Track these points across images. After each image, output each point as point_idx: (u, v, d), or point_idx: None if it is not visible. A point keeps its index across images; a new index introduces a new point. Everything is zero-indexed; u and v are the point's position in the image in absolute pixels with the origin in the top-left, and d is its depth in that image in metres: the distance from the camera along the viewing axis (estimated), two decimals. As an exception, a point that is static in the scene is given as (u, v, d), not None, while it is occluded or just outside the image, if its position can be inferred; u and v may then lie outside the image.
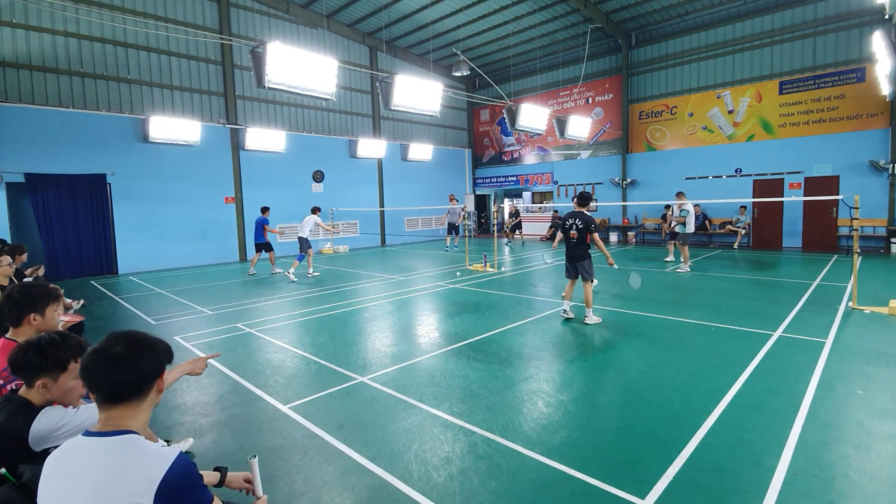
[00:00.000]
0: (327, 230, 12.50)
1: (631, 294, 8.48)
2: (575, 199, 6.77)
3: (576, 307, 7.20)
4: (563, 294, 6.89)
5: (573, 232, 6.57)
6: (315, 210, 11.70)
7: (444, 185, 22.01)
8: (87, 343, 2.00)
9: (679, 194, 11.71)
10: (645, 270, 11.13)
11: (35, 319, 2.52)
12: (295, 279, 10.85)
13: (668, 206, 16.60)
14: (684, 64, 16.42)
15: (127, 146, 13.00)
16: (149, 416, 1.51)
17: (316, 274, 11.56)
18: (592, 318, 6.46)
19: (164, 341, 1.55)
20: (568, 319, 6.69)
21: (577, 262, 6.61)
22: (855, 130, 13.45)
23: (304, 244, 11.39)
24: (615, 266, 6.89)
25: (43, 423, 1.80)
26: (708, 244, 16.01)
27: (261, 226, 11.88)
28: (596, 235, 6.49)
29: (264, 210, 12.07)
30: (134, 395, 1.43)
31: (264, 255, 12.19)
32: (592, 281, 6.77)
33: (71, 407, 1.88)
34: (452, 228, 16.78)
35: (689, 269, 10.82)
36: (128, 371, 1.40)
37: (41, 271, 6.09)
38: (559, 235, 6.91)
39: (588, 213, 6.59)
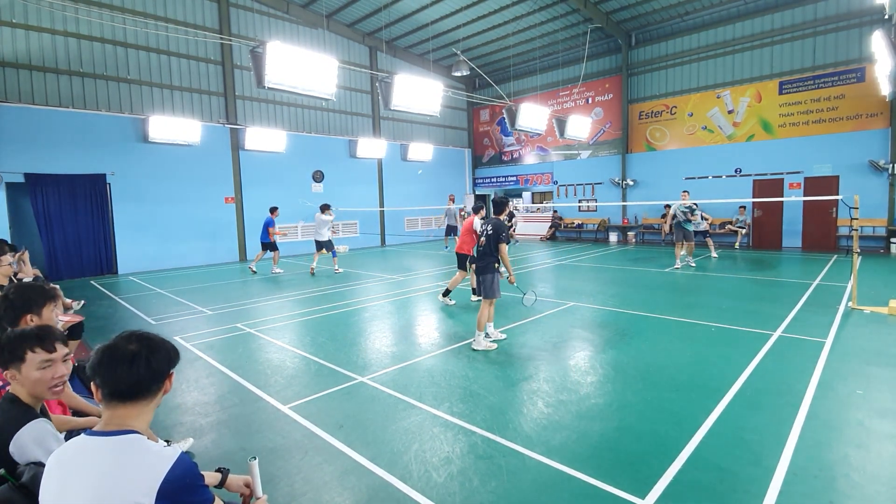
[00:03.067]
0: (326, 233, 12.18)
1: (631, 294, 8.49)
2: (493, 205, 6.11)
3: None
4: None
5: (482, 238, 5.78)
6: (325, 208, 11.71)
7: (444, 185, 22.00)
8: (52, 332, 1.99)
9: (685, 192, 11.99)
10: (644, 271, 11.14)
11: (32, 320, 2.52)
12: (341, 270, 11.83)
13: (668, 206, 16.63)
14: (684, 64, 16.42)
15: (127, 146, 12.99)
16: (152, 416, 1.51)
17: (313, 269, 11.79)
18: (482, 344, 5.52)
19: (169, 342, 1.57)
20: (498, 340, 5.84)
21: (480, 275, 5.74)
22: (855, 130, 13.44)
23: (328, 245, 11.72)
24: (514, 283, 5.94)
25: (28, 432, 1.78)
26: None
27: (266, 227, 12.19)
28: (503, 246, 5.58)
29: (272, 210, 12.39)
30: (145, 393, 1.45)
31: (269, 253, 12.43)
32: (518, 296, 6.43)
33: (56, 437, 1.86)
34: (451, 230, 16.69)
35: (680, 266, 11.35)
36: (143, 369, 1.41)
37: (26, 256, 6.11)
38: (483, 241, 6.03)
39: (503, 221, 5.81)
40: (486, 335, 5.80)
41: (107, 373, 1.40)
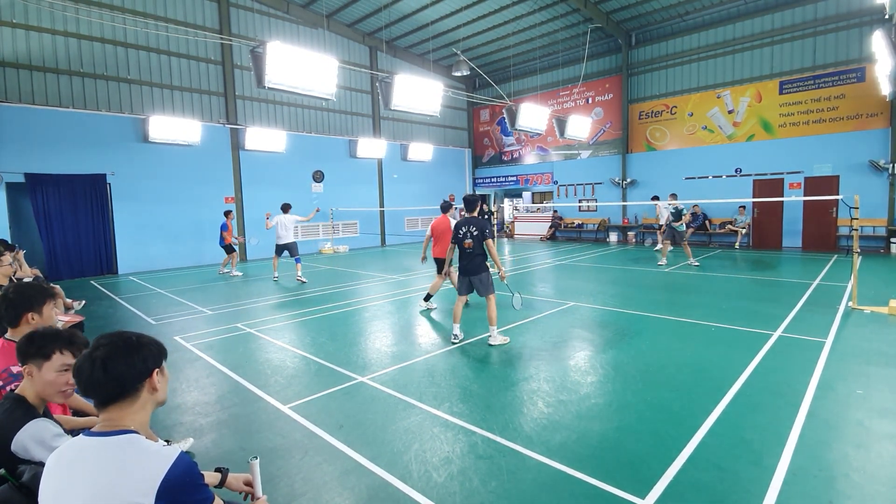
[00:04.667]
0: (305, 220, 11.40)
1: (631, 294, 8.49)
2: (463, 205, 6.03)
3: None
4: (453, 315, 5.96)
5: (468, 241, 5.69)
6: (287, 208, 11.06)
7: (444, 185, 22.02)
8: (80, 338, 2.02)
9: (673, 195, 12.34)
10: (645, 271, 11.14)
11: (33, 318, 2.53)
12: (305, 280, 10.73)
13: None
14: (684, 64, 16.42)
15: (127, 146, 12.99)
16: (148, 416, 1.50)
17: (277, 277, 11.10)
18: (497, 339, 5.66)
19: (156, 340, 1.53)
20: (456, 344, 5.79)
21: (473, 276, 5.75)
22: (855, 130, 13.44)
23: (293, 248, 10.85)
24: (506, 281, 6.03)
25: (28, 432, 1.79)
26: (708, 244, 16.01)
27: (221, 231, 12.04)
28: (490, 242, 5.64)
29: (227, 214, 12.24)
30: (120, 396, 1.42)
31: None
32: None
33: (56, 434, 1.87)
34: None
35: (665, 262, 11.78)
36: (109, 374, 1.39)
37: (21, 255, 6.13)
38: (454, 248, 6.02)
39: (481, 219, 5.82)
40: (455, 333, 5.88)
41: (80, 379, 1.40)
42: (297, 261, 10.86)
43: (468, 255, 5.76)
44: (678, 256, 12.87)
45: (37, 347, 1.90)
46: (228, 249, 12.18)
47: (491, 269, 5.96)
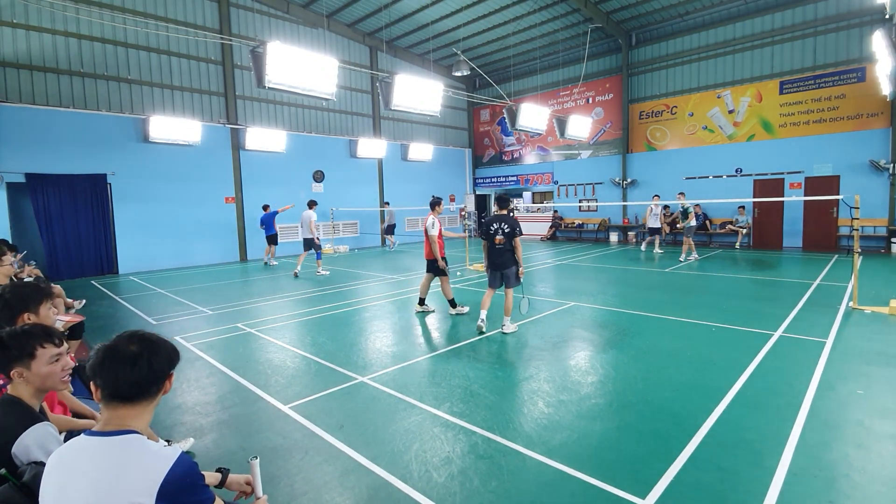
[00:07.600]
0: (313, 232, 11.60)
1: (631, 294, 8.49)
2: (495, 203, 6.33)
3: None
4: (482, 303, 6.30)
5: (499, 237, 6.04)
6: (312, 204, 11.84)
7: (444, 185, 22.01)
8: (54, 329, 2.01)
9: (680, 194, 13.04)
10: (645, 270, 11.14)
11: (30, 318, 2.51)
12: (327, 272, 11.66)
13: (666, 206, 16.62)
14: (684, 64, 16.41)
15: (127, 146, 13.00)
16: (151, 416, 1.51)
17: (297, 272, 11.71)
18: (510, 327, 6.13)
19: (170, 342, 1.56)
20: (483, 331, 6.14)
21: (505, 270, 6.10)
22: (855, 130, 13.44)
23: (311, 243, 11.64)
24: (521, 280, 6.23)
25: (31, 437, 1.78)
26: (709, 244, 16.01)
27: (272, 218, 13.25)
28: (518, 241, 6.01)
29: (267, 207, 13.56)
30: (145, 394, 1.44)
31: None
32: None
33: (59, 440, 1.86)
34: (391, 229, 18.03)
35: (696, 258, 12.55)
36: (143, 370, 1.41)
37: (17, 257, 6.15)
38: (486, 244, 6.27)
39: (512, 217, 6.14)
40: (482, 318, 6.27)
41: (108, 373, 1.39)
42: (318, 256, 11.84)
43: (499, 252, 6.12)
44: (661, 257, 12.87)
45: (18, 350, 1.87)
46: (273, 240, 13.21)
47: None
